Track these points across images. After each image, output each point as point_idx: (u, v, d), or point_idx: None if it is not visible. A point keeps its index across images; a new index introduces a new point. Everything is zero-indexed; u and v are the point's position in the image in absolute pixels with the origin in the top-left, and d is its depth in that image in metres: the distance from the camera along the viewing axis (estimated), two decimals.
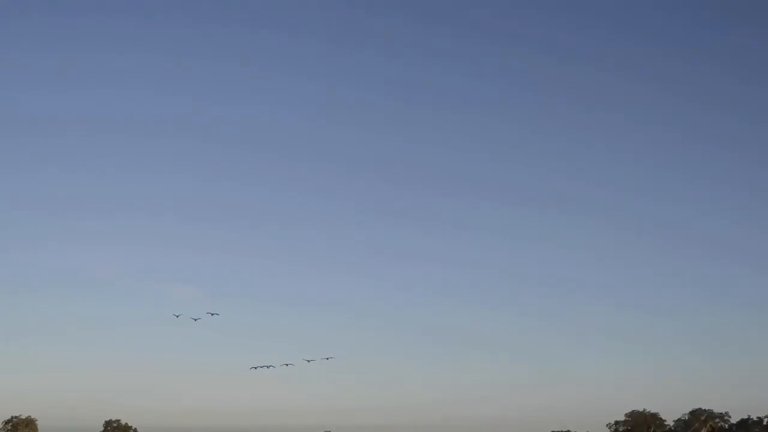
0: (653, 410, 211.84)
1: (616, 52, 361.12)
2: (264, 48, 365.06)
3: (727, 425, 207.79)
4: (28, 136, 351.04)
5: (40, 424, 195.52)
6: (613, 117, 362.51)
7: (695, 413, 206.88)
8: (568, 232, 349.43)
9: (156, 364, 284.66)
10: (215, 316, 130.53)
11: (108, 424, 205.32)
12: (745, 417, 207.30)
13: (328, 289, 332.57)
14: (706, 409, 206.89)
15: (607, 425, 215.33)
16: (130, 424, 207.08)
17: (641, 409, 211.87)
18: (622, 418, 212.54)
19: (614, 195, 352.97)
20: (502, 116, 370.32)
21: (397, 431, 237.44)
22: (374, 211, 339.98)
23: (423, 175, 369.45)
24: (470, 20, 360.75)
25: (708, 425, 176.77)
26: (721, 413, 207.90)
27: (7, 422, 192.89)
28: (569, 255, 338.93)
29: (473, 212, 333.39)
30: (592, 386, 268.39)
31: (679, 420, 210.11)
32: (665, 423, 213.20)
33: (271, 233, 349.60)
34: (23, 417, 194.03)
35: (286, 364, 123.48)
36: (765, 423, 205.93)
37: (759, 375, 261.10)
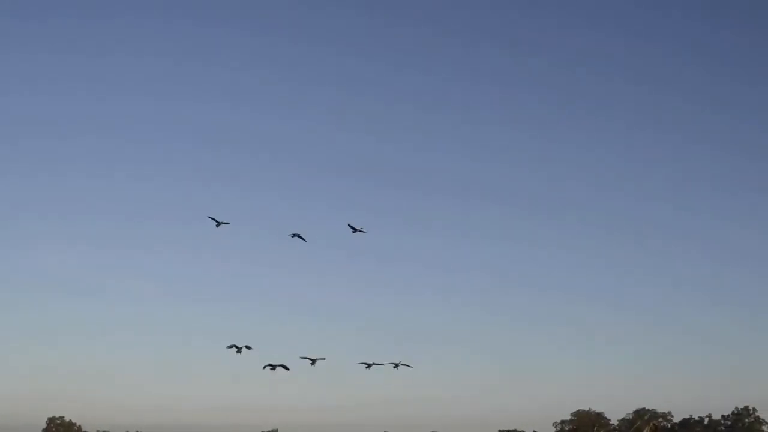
0: (599, 410, 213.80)
1: (615, 53, 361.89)
2: (265, 51, 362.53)
3: (669, 425, 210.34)
4: None
5: None
6: (613, 118, 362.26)
7: (639, 413, 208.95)
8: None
9: (112, 361, 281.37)
10: None
11: (51, 421, 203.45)
12: (687, 417, 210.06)
13: (295, 289, 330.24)
14: (650, 408, 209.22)
15: (553, 424, 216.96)
16: (74, 421, 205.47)
17: (587, 409, 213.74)
18: (568, 417, 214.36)
19: (606, 195, 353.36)
20: (503, 120, 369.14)
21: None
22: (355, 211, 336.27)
23: (409, 177, 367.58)
24: (473, 25, 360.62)
25: (651, 424, 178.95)
26: (664, 413, 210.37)
27: None
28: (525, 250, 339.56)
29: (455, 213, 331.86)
30: (542, 385, 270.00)
31: (623, 419, 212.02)
32: (610, 422, 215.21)
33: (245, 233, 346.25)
34: None
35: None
36: (706, 422, 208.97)
37: (701, 375, 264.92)
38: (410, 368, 49.13)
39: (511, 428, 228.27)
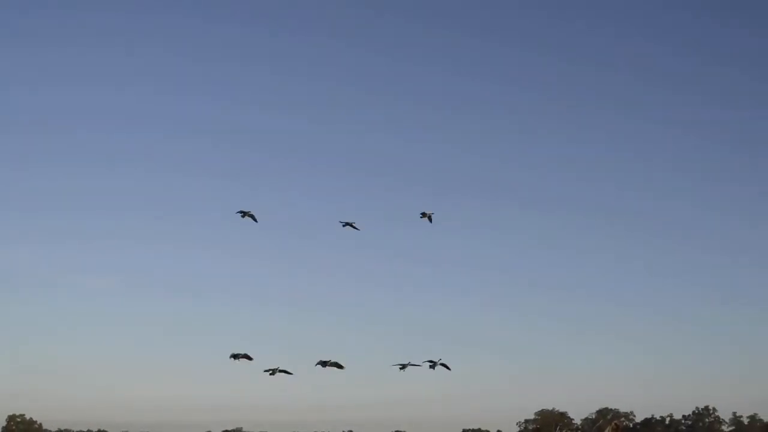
0: (562, 409, 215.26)
1: (617, 50, 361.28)
2: (265, 47, 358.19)
3: (631, 424, 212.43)
4: None
5: None
6: (613, 116, 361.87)
7: (602, 412, 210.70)
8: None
9: (73, 360, 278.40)
10: None
11: (11, 419, 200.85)
12: (649, 416, 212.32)
13: (262, 279, 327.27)
14: (612, 408, 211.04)
15: (516, 423, 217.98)
16: (35, 419, 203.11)
17: (551, 408, 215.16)
18: (532, 416, 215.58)
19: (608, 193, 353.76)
20: (503, 116, 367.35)
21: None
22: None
23: (412, 175, 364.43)
24: (473, 20, 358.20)
25: (613, 424, 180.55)
26: (627, 412, 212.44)
27: None
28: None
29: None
30: (505, 384, 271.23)
31: (586, 419, 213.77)
32: (573, 422, 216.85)
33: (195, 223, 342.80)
34: None
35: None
36: (667, 422, 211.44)
37: (662, 375, 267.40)
38: (448, 370, 44.37)
39: (475, 427, 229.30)
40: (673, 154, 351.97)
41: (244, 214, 44.30)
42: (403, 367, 42.24)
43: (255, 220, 44.89)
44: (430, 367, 42.82)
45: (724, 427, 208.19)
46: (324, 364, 40.36)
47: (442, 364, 43.20)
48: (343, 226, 46.24)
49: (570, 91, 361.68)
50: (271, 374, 40.54)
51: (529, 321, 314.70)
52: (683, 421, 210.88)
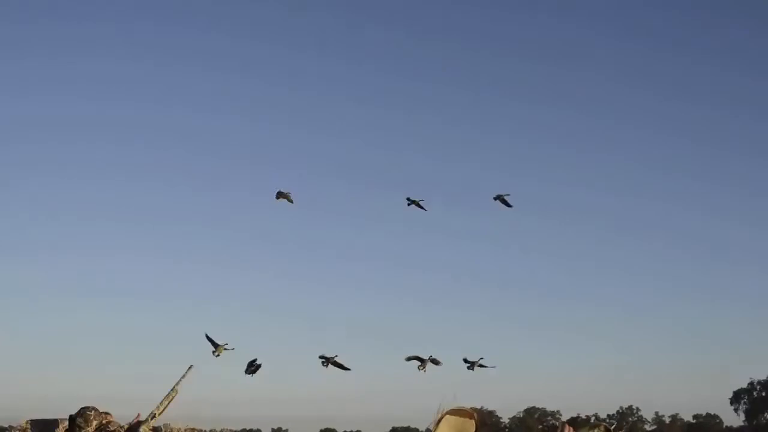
0: (490, 407, 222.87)
1: (607, 49, 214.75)
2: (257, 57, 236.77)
3: (557, 423, 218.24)
4: None
5: None
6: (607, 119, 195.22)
7: (529, 411, 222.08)
8: None
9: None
10: None
11: None
12: (575, 415, 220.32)
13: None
14: (540, 407, 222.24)
15: None
16: None
17: (479, 407, 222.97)
18: None
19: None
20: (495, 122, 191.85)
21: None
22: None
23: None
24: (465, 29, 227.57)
25: (543, 424, 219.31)
26: (553, 411, 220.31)
27: None
28: None
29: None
30: (434, 383, 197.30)
31: (514, 417, 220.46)
32: (501, 420, 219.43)
33: None
34: None
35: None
36: (592, 421, 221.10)
37: (588, 375, 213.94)
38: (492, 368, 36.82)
39: (404, 425, 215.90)
40: (642, 153, 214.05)
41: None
42: (422, 363, 31.63)
43: (291, 201, 36.90)
44: (468, 368, 34.53)
45: (646, 426, 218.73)
46: (326, 361, 32.98)
47: (482, 365, 34.05)
48: (408, 204, 37.87)
49: (563, 93, 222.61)
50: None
51: (460, 319, 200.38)
52: (608, 420, 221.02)
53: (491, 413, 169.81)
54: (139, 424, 7.94)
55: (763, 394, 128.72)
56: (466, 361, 28.62)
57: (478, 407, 76.70)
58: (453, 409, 9.15)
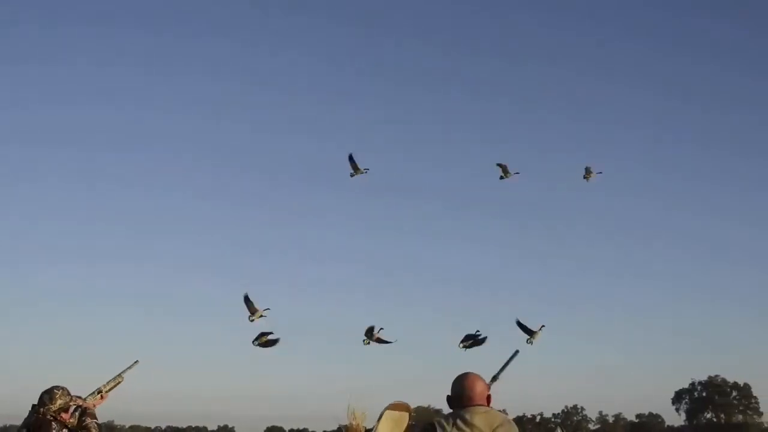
0: (437, 406, 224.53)
1: (603, 49, 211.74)
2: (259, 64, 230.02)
3: None
4: None
5: None
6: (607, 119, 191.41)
7: None
8: None
9: None
10: None
11: None
12: (521, 414, 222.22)
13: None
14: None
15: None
16: None
17: (426, 405, 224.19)
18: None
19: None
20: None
21: None
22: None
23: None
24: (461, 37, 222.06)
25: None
26: (500, 410, 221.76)
27: None
28: None
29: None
30: (391, 381, 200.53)
31: None
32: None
33: None
34: None
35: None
36: (538, 420, 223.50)
37: (533, 375, 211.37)
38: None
39: (302, 427, 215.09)
40: (642, 153, 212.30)
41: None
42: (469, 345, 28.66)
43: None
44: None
45: (590, 425, 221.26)
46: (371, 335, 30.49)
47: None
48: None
49: (559, 94, 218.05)
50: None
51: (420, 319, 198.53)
52: (552, 419, 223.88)
53: (438, 411, 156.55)
54: (86, 410, 8.14)
55: (704, 394, 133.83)
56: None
57: (425, 406, 76.89)
58: (392, 404, 8.88)
